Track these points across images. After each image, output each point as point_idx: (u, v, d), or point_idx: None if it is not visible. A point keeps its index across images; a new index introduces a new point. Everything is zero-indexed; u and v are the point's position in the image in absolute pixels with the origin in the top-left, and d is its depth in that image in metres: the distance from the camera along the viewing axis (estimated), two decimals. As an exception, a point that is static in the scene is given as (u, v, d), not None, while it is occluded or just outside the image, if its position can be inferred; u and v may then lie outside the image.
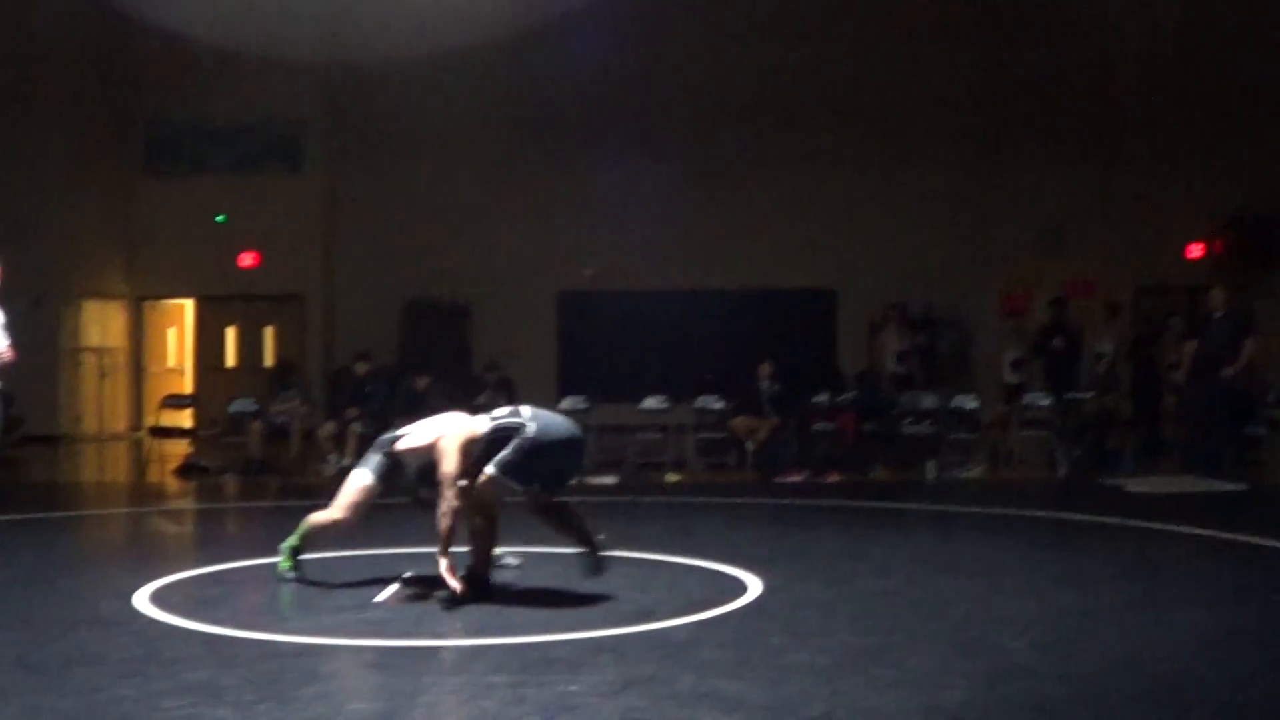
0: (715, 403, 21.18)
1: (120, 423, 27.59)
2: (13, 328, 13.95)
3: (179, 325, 29.17)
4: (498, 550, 10.42)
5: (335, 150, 28.02)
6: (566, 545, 10.02)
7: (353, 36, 26.50)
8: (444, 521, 9.35)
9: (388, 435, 10.39)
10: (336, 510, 10.09)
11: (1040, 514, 15.28)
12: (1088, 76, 26.83)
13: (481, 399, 20.29)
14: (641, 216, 26.67)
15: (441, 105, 26.90)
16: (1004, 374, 21.91)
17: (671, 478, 19.53)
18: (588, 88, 26.77)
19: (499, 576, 10.23)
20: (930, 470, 19.43)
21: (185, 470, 20.49)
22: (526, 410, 9.80)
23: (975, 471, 19.59)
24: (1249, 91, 26.14)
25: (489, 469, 9.50)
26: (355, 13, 26.04)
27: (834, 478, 19.07)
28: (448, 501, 9.42)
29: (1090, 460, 19.84)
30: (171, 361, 29.03)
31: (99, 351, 27.02)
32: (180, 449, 21.61)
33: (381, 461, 10.12)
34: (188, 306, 29.04)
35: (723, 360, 23.94)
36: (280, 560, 10.20)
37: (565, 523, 9.96)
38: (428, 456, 9.80)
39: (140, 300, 28.50)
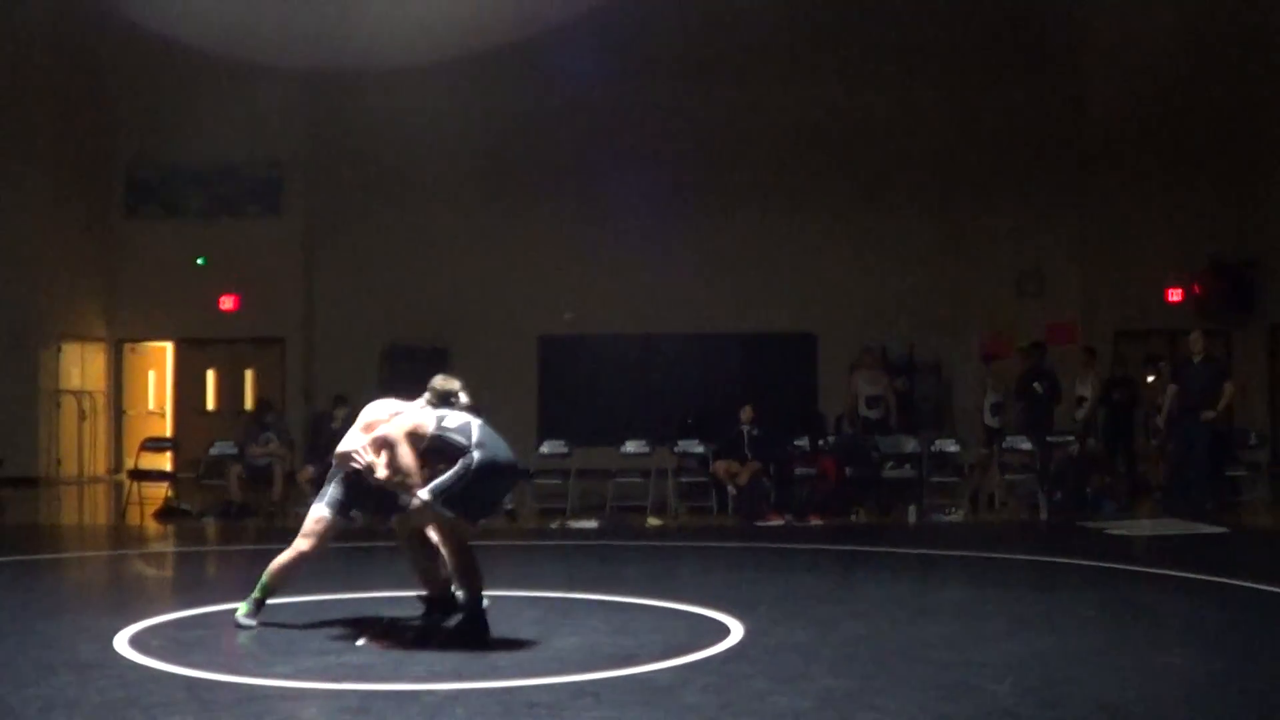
0: (696, 446, 21.15)
1: (100, 465, 27.54)
2: None
3: (159, 368, 29.13)
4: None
5: (314, 194, 28.03)
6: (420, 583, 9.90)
7: (332, 81, 26.55)
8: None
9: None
10: (297, 544, 10.05)
11: (1022, 557, 15.28)
12: (1065, 122, 26.99)
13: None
14: (622, 261, 26.72)
15: (420, 149, 26.93)
16: (984, 418, 21.92)
17: (653, 522, 19.49)
18: (568, 134, 26.85)
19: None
20: (912, 514, 19.42)
21: (165, 513, 20.42)
22: (475, 430, 9.68)
23: (957, 515, 19.58)
24: (1226, 136, 26.29)
25: (423, 494, 9.42)
26: (334, 58, 26.08)
27: (815, 521, 19.07)
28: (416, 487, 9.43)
29: (1071, 503, 19.85)
30: (152, 404, 28.98)
31: (79, 394, 26.96)
32: (160, 492, 21.51)
33: (334, 492, 10.06)
34: (168, 349, 29.00)
35: (703, 404, 23.97)
36: (241, 606, 10.14)
37: (431, 563, 9.79)
38: (374, 454, 9.77)
39: (120, 343, 28.47)
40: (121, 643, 9.66)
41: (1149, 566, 14.26)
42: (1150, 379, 23.26)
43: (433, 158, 26.99)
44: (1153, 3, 26.24)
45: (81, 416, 26.95)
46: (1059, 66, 26.93)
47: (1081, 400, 21.90)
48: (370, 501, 10.20)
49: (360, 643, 9.59)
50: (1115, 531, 17.38)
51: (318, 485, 19.37)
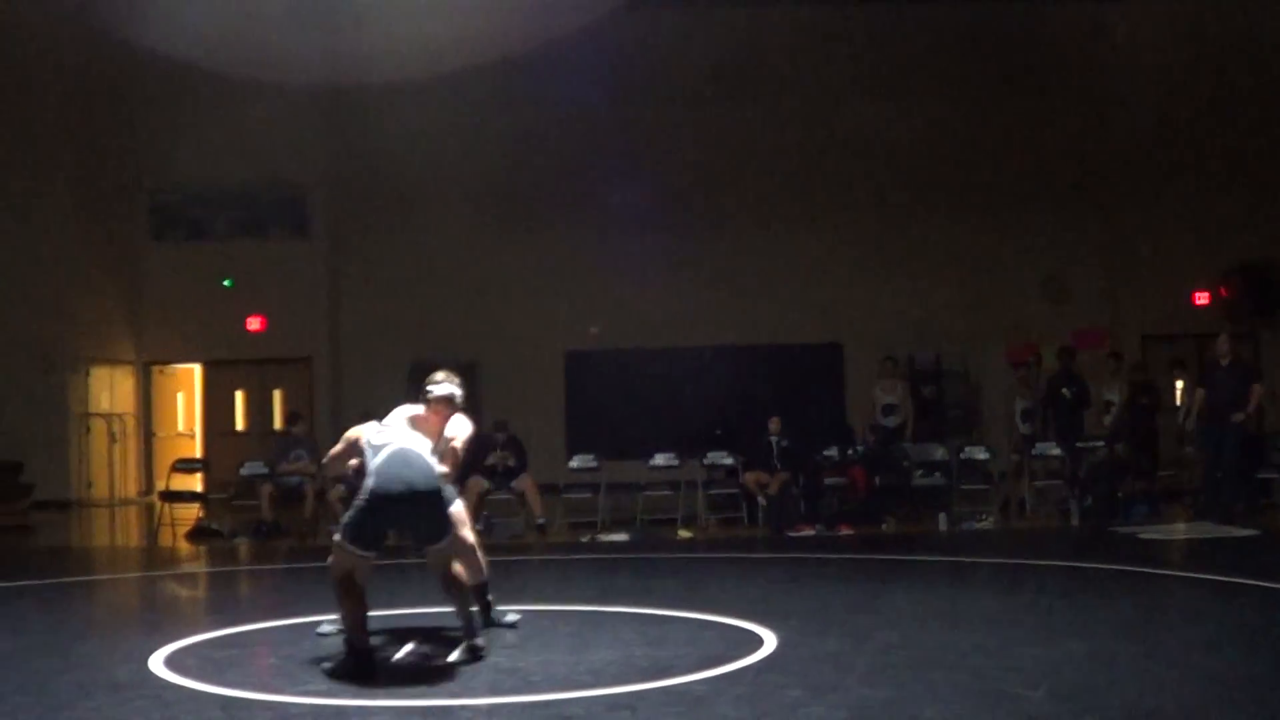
0: (725, 458, 21.14)
1: (131, 487, 27.61)
2: None
3: (188, 390, 29.19)
4: (500, 607, 10.47)
5: (340, 213, 28.09)
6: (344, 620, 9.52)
7: (354, 100, 26.61)
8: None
9: None
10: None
11: (1054, 563, 15.25)
12: (1088, 128, 26.95)
13: (491, 458, 20.30)
14: (648, 274, 26.70)
15: (444, 167, 26.95)
16: (1015, 424, 21.88)
17: (683, 534, 19.49)
18: (592, 149, 26.85)
19: (505, 636, 10.25)
20: (942, 522, 19.40)
21: (197, 534, 20.46)
22: (381, 455, 9.49)
23: (988, 522, 19.55)
24: (1254, 138, 26.22)
25: (336, 536, 9.46)
26: (358, 78, 26.14)
27: (846, 531, 19.04)
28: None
29: (1102, 509, 19.80)
30: (181, 426, 29.04)
31: (109, 417, 27.04)
32: (192, 513, 21.56)
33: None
34: (196, 371, 29.07)
35: (732, 416, 23.93)
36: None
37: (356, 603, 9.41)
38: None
39: (149, 365, 28.54)
40: (157, 663, 9.69)
41: (1182, 570, 14.24)
42: (1179, 384, 23.23)
43: (456, 175, 27.01)
44: (1175, 11, 26.23)
45: (112, 439, 27.02)
46: (1082, 74, 26.89)
47: (1109, 405, 21.86)
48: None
49: (395, 658, 9.60)
50: (1147, 536, 17.35)
51: (348, 504, 19.49)
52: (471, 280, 27.13)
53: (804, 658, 9.51)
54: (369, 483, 9.32)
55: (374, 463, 9.42)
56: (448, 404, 10.35)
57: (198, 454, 27.34)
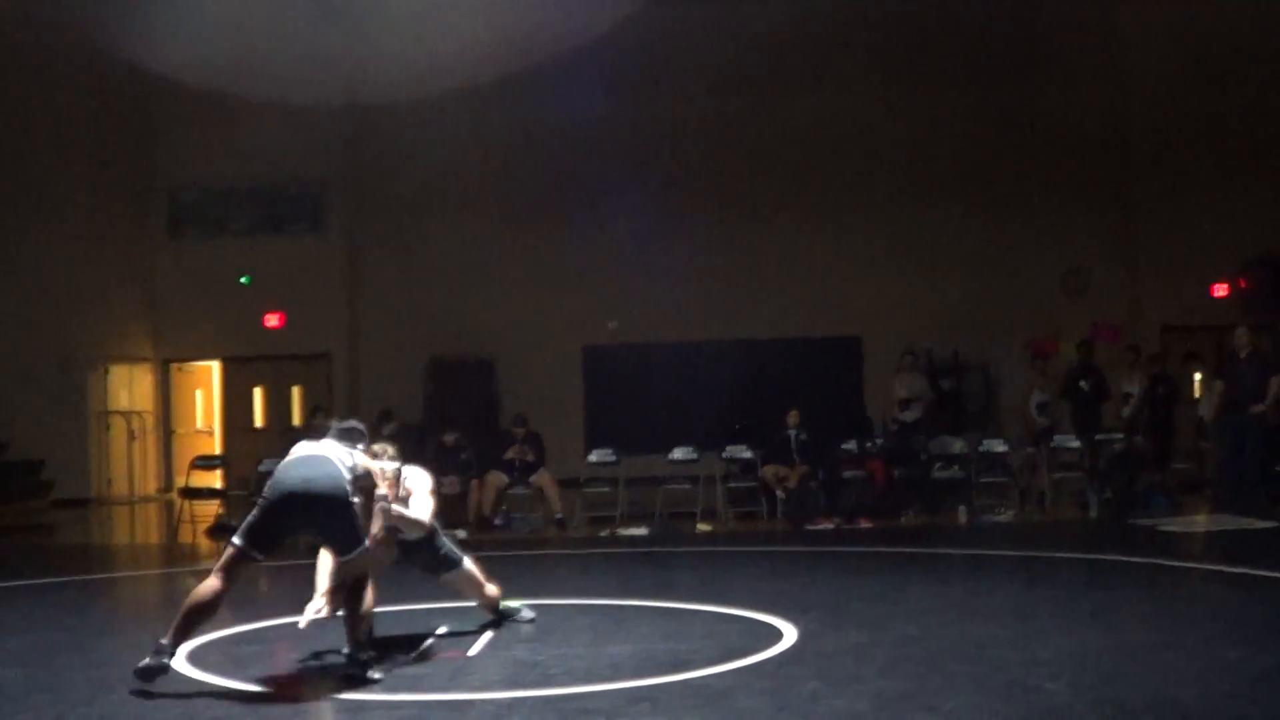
0: (744, 452, 21.14)
1: (151, 485, 27.65)
2: None
3: (206, 387, 29.24)
4: (514, 603, 10.50)
5: (356, 210, 28.11)
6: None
7: (371, 97, 26.62)
8: None
9: None
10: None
11: (1073, 555, 15.23)
12: (1107, 120, 26.90)
13: (510, 454, 20.34)
14: (665, 268, 26.70)
15: (461, 163, 26.97)
16: (1031, 417, 21.85)
17: (702, 528, 19.49)
18: (609, 146, 26.84)
19: (523, 630, 10.29)
20: (961, 514, 19.38)
21: (217, 530, 20.46)
22: (289, 455, 9.45)
23: (1007, 515, 19.53)
24: (1270, 130, 26.15)
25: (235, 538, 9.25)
26: (373, 74, 26.18)
27: (865, 524, 19.04)
28: None
29: (1121, 501, 19.77)
30: (200, 423, 29.09)
31: (128, 415, 27.09)
32: (211, 509, 21.60)
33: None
34: (214, 368, 29.11)
35: (750, 409, 23.90)
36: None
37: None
38: None
39: (167, 363, 28.58)
40: (179, 659, 9.71)
41: (1202, 563, 14.23)
42: (1197, 376, 23.19)
43: (473, 171, 27.04)
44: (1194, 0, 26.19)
45: (131, 437, 27.07)
46: (1101, 64, 26.85)
47: (1128, 397, 21.82)
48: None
49: (416, 652, 9.61)
50: (1167, 528, 17.32)
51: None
52: (489, 276, 27.14)
53: (824, 650, 9.52)
54: (268, 488, 9.21)
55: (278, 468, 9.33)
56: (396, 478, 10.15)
57: (217, 451, 27.36)
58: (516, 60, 25.20)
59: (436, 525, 10.36)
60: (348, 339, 28.00)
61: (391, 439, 20.74)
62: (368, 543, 9.19)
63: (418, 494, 10.12)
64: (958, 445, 21.22)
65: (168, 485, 27.24)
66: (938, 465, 21.02)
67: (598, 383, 27.56)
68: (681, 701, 8.06)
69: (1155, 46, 26.44)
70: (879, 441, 21.53)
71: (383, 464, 9.80)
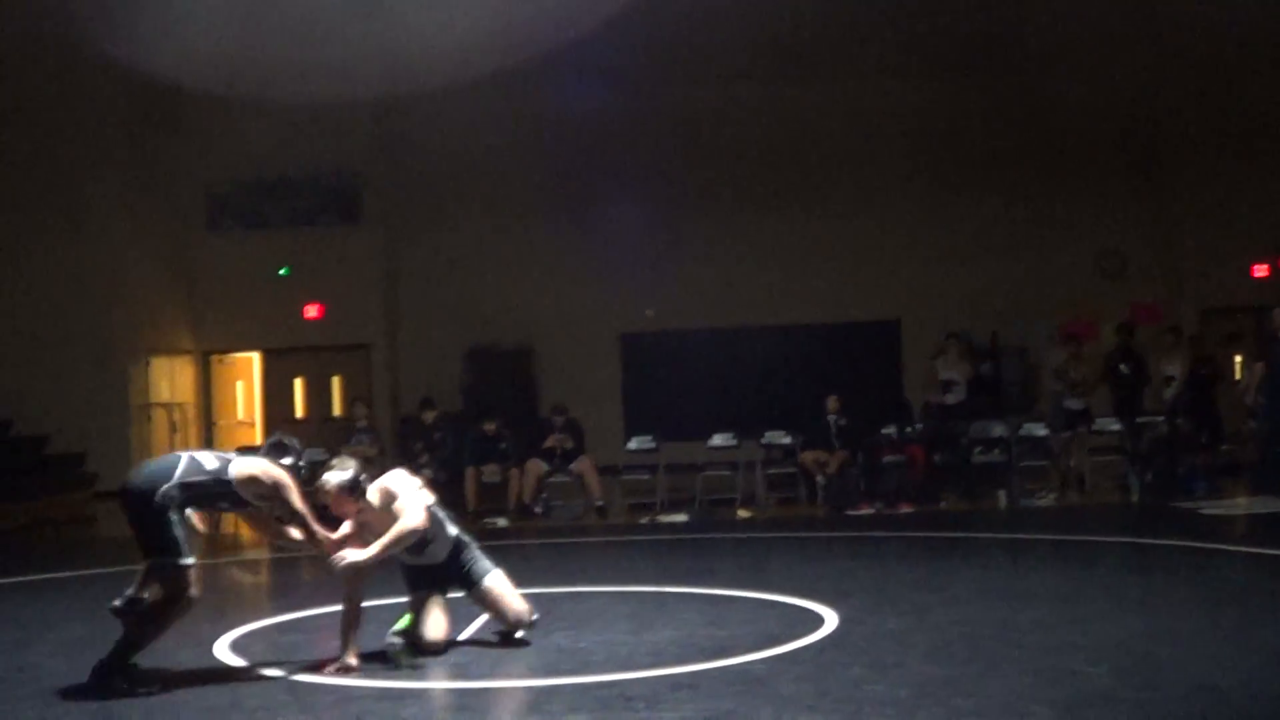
0: (783, 437, 21.15)
1: (192, 475, 27.68)
2: None
3: (247, 378, 29.28)
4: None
5: (393, 201, 28.10)
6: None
7: (406, 88, 26.61)
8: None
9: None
10: None
11: (1114, 539, 15.21)
12: (1143, 100, 26.76)
13: (549, 441, 20.40)
14: (702, 254, 26.68)
15: (496, 152, 26.95)
16: (1064, 401, 21.76)
17: (742, 514, 19.51)
18: (647, 131, 26.80)
19: (568, 616, 10.28)
20: (1002, 499, 19.37)
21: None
22: None
23: (1047, 499, 19.51)
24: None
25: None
26: (408, 65, 26.18)
27: (905, 509, 19.03)
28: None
29: (1162, 484, 19.72)
30: (241, 414, 29.14)
31: (169, 407, 27.15)
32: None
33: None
34: (255, 359, 29.17)
35: (789, 395, 23.89)
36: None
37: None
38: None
39: (207, 355, 28.64)
40: (222, 648, 9.79)
41: (1244, 546, 14.18)
42: (1238, 358, 23.09)
43: (508, 161, 27.00)
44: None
45: (172, 428, 27.15)
46: (1136, 45, 26.71)
47: (1169, 380, 21.73)
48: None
49: (465, 634, 9.64)
50: (1209, 511, 17.28)
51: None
52: (526, 264, 27.11)
53: (865, 636, 9.53)
54: None
55: None
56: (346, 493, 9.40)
57: (257, 441, 27.38)
58: (554, 47, 25.17)
59: (464, 539, 9.94)
60: (387, 329, 28.02)
61: (431, 428, 20.89)
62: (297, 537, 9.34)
63: (403, 500, 9.39)
64: (998, 429, 21.19)
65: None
66: (978, 449, 20.99)
67: (636, 369, 27.53)
68: (722, 687, 8.07)
69: (1191, 23, 26.26)
70: (918, 426, 21.51)
71: (326, 476, 9.35)
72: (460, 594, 9.78)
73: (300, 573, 16.22)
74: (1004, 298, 26.26)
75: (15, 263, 25.63)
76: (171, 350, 27.61)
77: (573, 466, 20.33)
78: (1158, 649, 8.82)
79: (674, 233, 26.60)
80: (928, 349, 23.54)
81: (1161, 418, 20.84)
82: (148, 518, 8.97)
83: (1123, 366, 21.23)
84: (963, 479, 20.57)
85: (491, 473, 20.11)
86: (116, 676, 8.66)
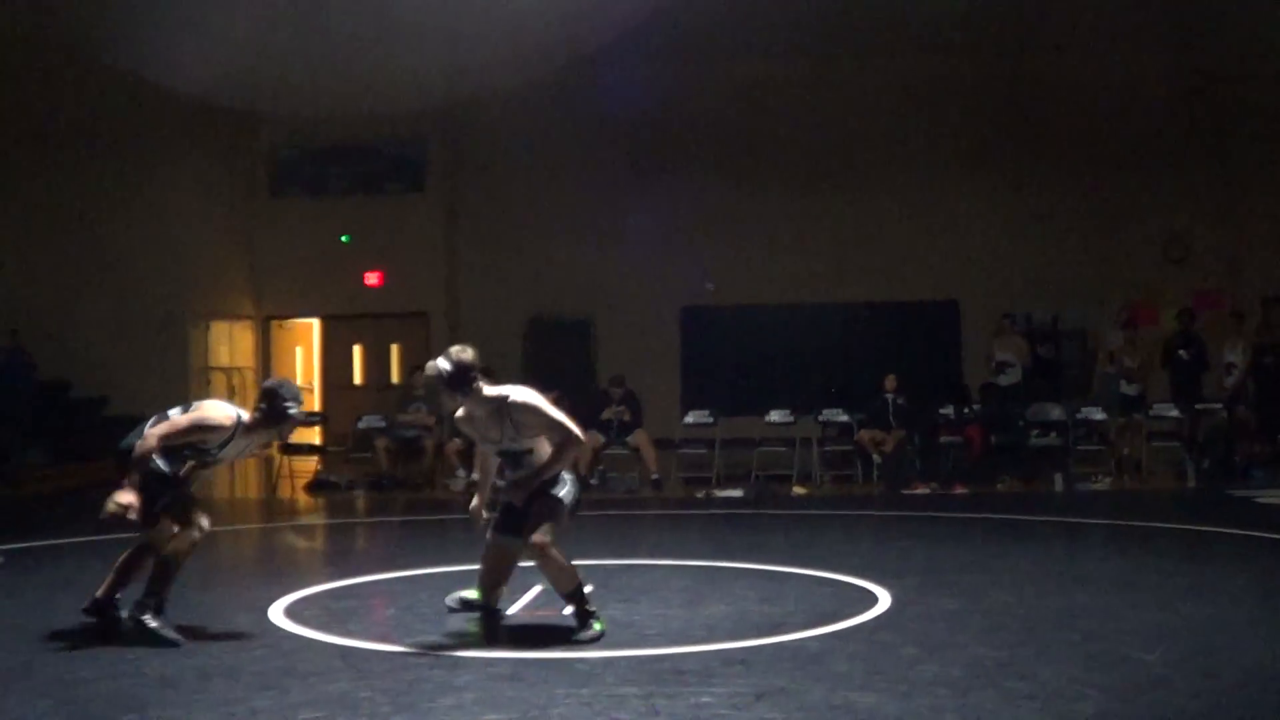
0: (840, 415, 21.15)
1: (251, 440, 27.78)
2: None
3: (306, 344, 29.40)
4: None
5: (456, 169, 28.15)
6: None
7: (470, 56, 26.61)
8: None
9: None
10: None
11: (1170, 526, 15.15)
12: (1210, 86, 26.53)
13: (607, 414, 20.44)
14: (763, 230, 26.64)
15: (559, 122, 26.95)
16: (1119, 385, 21.65)
17: (798, 490, 19.53)
18: (710, 106, 26.77)
19: (624, 589, 10.29)
20: (1058, 482, 19.31)
21: (316, 486, 20.70)
22: None
23: (1103, 483, 19.44)
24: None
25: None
26: (472, 32, 26.17)
27: (961, 490, 19.00)
28: None
29: (1220, 472, 19.63)
30: (300, 380, 29.20)
31: (228, 371, 27.28)
32: (310, 465, 21.83)
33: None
34: (314, 325, 29.28)
35: (847, 373, 23.87)
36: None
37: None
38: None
39: (268, 320, 28.76)
40: (276, 613, 9.84)
41: (1300, 534, 14.09)
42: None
43: (571, 131, 27.00)
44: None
45: (231, 392, 27.24)
46: (1204, 29, 26.49)
47: (1230, 367, 21.59)
48: None
49: (511, 610, 9.65)
50: (1266, 500, 17.18)
51: (465, 456, 19.66)
52: (588, 236, 27.07)
53: (918, 616, 9.52)
54: None
55: None
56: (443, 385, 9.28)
57: (316, 407, 27.50)
58: (619, 18, 25.14)
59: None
60: (446, 298, 28.06)
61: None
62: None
63: (543, 412, 9.17)
64: (1055, 412, 21.14)
65: (267, 441, 27.40)
66: (1035, 432, 20.95)
67: (695, 344, 27.50)
68: (775, 664, 8.08)
69: (1260, 10, 26.03)
70: (976, 407, 21.46)
71: (430, 363, 9.43)
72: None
73: (355, 539, 16.34)
74: (1066, 281, 26.13)
75: (77, 227, 25.80)
76: (232, 315, 27.75)
77: (629, 439, 20.37)
78: (1212, 636, 8.79)
79: (736, 207, 26.57)
80: (987, 331, 23.49)
81: (1220, 405, 20.73)
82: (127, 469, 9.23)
83: (1182, 352, 21.11)
84: (1019, 461, 20.51)
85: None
86: (150, 613, 8.99)
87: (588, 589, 8.99)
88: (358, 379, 28.60)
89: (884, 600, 10.03)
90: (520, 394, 9.17)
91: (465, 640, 8.78)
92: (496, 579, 9.32)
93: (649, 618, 9.51)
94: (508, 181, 27.39)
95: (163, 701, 7.41)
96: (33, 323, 24.49)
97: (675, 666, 7.98)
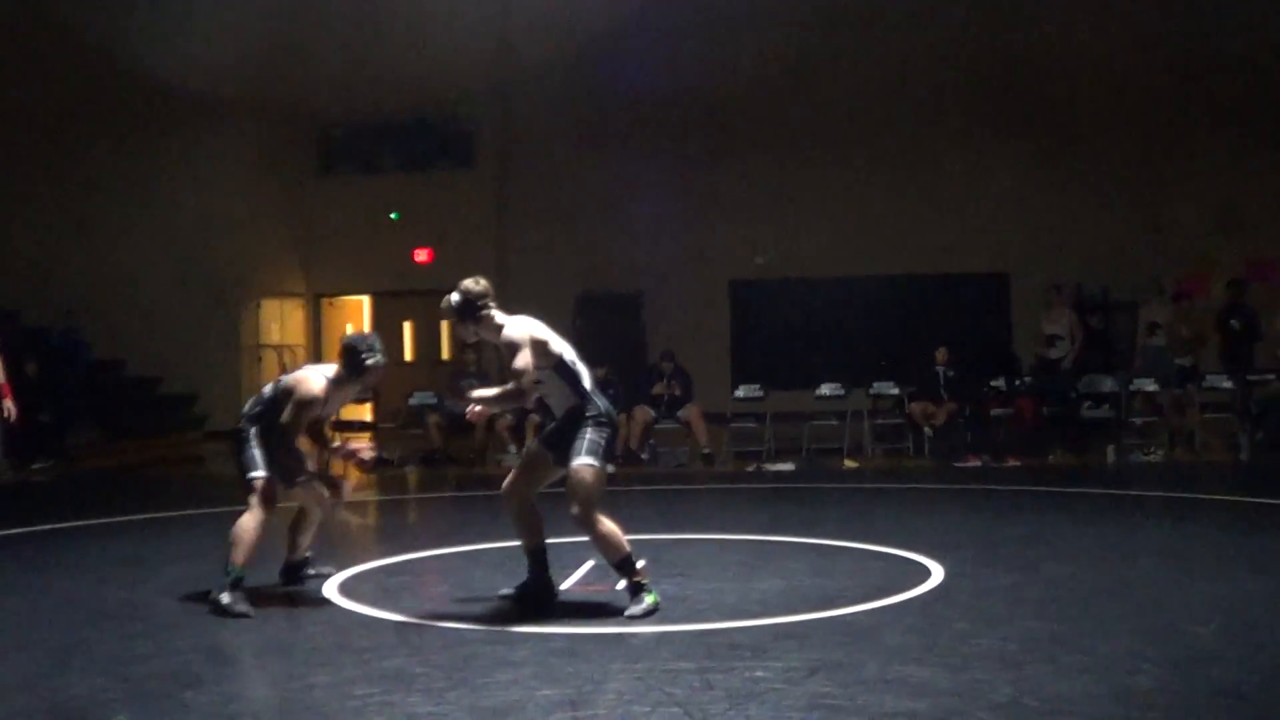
0: (891, 388, 21.13)
1: (302, 417, 27.89)
2: None
3: (356, 321, 29.48)
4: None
5: (505, 146, 28.20)
6: None
7: (521, 34, 26.65)
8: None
9: None
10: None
11: (1223, 498, 15.09)
12: (1261, 55, 26.33)
13: (658, 388, 20.43)
14: (813, 203, 26.62)
15: (608, 97, 26.95)
16: (1156, 354, 21.53)
17: (849, 464, 19.50)
18: (760, 79, 26.72)
19: (676, 563, 10.30)
20: (1110, 454, 19.25)
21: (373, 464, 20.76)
22: None
23: (1156, 455, 19.37)
24: None
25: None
26: (522, 10, 26.20)
27: (1013, 463, 18.95)
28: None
29: (1273, 442, 19.53)
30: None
31: (279, 348, 27.40)
32: (361, 442, 21.91)
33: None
34: (365, 302, 29.39)
35: (897, 346, 23.84)
36: None
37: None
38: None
39: (318, 297, 28.89)
40: (331, 589, 9.88)
41: (1355, 505, 14.02)
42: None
43: (620, 106, 27.00)
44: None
45: (282, 370, 27.30)
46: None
47: (1281, 338, 21.47)
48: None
49: (565, 585, 9.67)
50: (1319, 471, 17.11)
51: (516, 432, 19.70)
52: (637, 211, 27.09)
53: (972, 589, 9.51)
54: None
55: None
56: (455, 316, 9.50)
57: (367, 383, 27.55)
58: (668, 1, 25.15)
59: (587, 410, 9.30)
60: (495, 274, 27.96)
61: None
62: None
63: (514, 350, 9.21)
64: (1107, 384, 21.06)
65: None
66: (1086, 404, 20.88)
67: (745, 317, 27.51)
68: (828, 638, 8.09)
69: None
70: (1027, 379, 21.40)
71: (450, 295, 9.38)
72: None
73: (409, 515, 16.38)
74: (1117, 252, 26.01)
75: (130, 205, 25.93)
76: (282, 292, 27.88)
77: (680, 414, 20.37)
78: (1266, 610, 8.76)
79: (785, 180, 26.57)
80: (1037, 303, 23.40)
81: (1273, 375, 20.61)
82: (235, 441, 9.86)
83: (1234, 322, 20.97)
84: (1071, 433, 20.44)
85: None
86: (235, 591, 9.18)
87: (640, 563, 8.99)
88: (408, 355, 28.69)
89: (937, 574, 10.02)
90: (512, 327, 9.28)
91: (518, 616, 8.80)
92: (522, 491, 9.32)
93: (702, 592, 9.52)
94: (556, 158, 27.43)
95: (219, 678, 7.46)
96: (87, 303, 24.64)
97: (729, 641, 7.99)
